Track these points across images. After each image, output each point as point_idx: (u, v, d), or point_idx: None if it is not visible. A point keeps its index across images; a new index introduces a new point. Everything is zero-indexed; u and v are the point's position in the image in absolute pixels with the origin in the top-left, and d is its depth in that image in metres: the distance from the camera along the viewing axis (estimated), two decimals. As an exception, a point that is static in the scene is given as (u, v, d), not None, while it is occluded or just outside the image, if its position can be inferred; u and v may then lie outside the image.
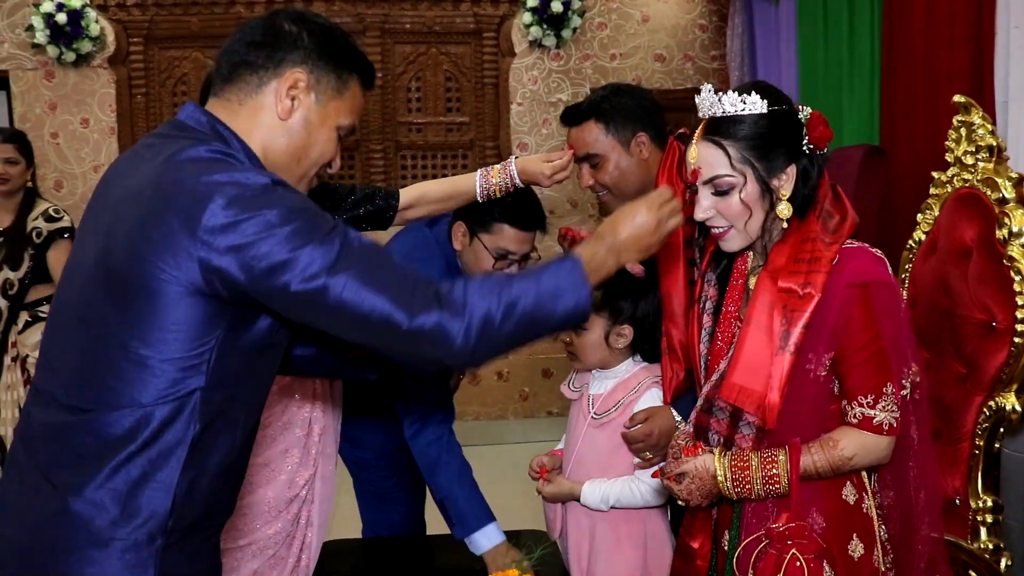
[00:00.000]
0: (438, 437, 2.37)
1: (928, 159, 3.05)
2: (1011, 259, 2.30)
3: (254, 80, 1.49)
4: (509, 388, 5.85)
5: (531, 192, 2.45)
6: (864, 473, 1.75)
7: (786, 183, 1.71)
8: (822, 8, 4.35)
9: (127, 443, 1.33)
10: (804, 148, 1.72)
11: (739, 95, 1.70)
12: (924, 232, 2.64)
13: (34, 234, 3.91)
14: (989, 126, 2.46)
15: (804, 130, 1.72)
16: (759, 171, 1.69)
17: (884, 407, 1.67)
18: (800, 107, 1.73)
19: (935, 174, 2.61)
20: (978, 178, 2.47)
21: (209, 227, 1.29)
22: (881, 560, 1.72)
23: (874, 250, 1.71)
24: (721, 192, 1.71)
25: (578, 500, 2.22)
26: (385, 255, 1.39)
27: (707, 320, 1.86)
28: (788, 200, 1.71)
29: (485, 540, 2.29)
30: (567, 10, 5.47)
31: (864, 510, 1.74)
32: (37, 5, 5.21)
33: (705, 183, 1.73)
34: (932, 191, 2.62)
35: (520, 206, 2.43)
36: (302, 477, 2.21)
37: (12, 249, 3.87)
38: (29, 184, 3.98)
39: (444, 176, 5.56)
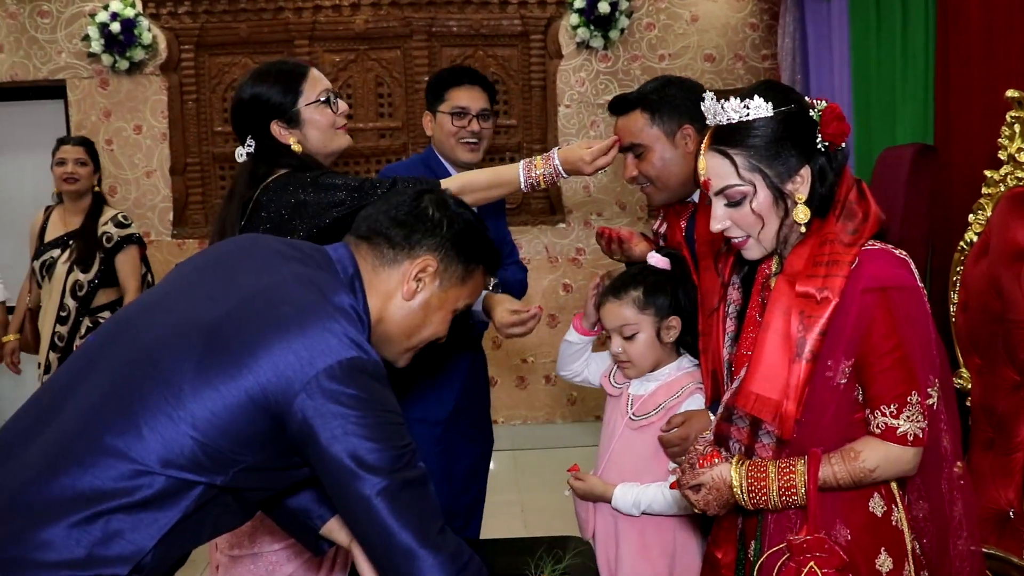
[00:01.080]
0: None
1: (982, 158, 2.95)
2: (1067, 261, 2.22)
3: (389, 254, 1.58)
4: (557, 392, 5.81)
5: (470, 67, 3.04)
6: (894, 484, 1.68)
7: (801, 186, 1.64)
8: (875, 4, 4.24)
9: (122, 496, 1.32)
10: (819, 146, 1.64)
11: (742, 100, 1.64)
12: (976, 233, 2.56)
13: (104, 238, 4.03)
14: (1044, 122, 2.38)
15: (817, 127, 1.64)
16: (770, 177, 1.63)
17: (909, 417, 1.59)
18: (814, 101, 1.67)
19: (988, 173, 2.53)
20: (1032, 176, 2.39)
21: (326, 375, 1.35)
22: (913, 575, 1.65)
23: (897, 252, 1.64)
24: (733, 203, 1.66)
25: (609, 502, 2.19)
26: (431, 491, 1.45)
27: (731, 325, 1.81)
28: (805, 202, 1.64)
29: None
30: (615, 11, 5.41)
31: (893, 523, 1.67)
32: (93, 15, 5.31)
33: (716, 194, 1.68)
34: (984, 190, 2.54)
35: (460, 70, 2.99)
36: None
37: (83, 250, 4.00)
38: (97, 189, 4.13)
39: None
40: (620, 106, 2.37)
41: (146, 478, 1.32)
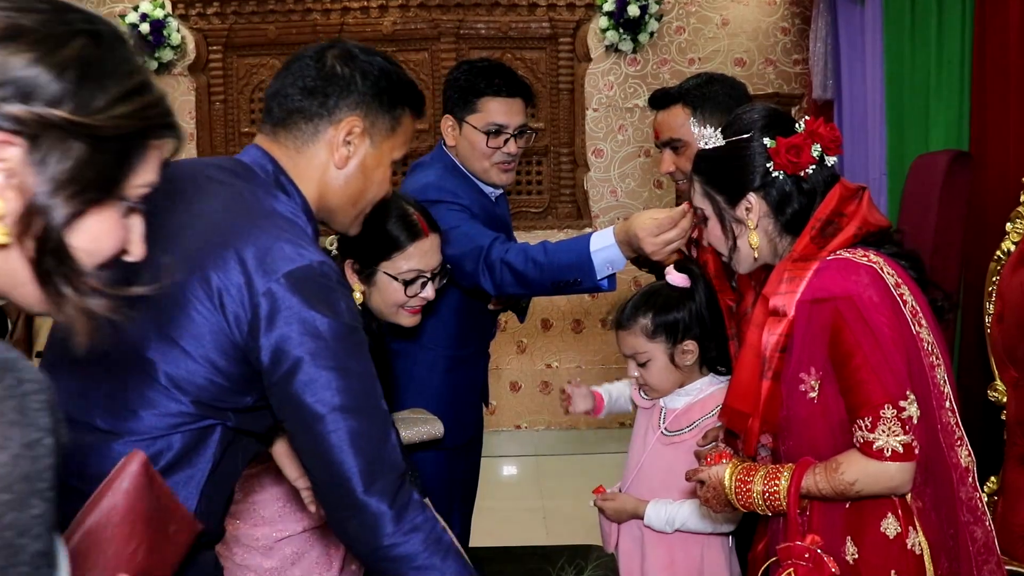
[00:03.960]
0: None
1: (1020, 165, 2.89)
2: (1108, 272, 2.16)
3: (309, 128, 1.49)
4: (581, 398, 5.76)
5: (507, 66, 2.49)
6: (915, 507, 1.63)
7: (751, 213, 1.68)
8: (910, 8, 4.17)
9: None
10: (774, 175, 1.67)
11: (699, 130, 1.76)
12: (1013, 242, 2.51)
13: None
14: (1085, 128, 2.31)
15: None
16: (719, 203, 1.71)
17: (885, 431, 1.54)
18: (799, 123, 1.67)
19: (1026, 181, 2.47)
20: (1073, 185, 2.32)
21: (266, 292, 1.30)
22: None
23: (858, 259, 1.59)
24: (704, 219, 1.77)
25: (641, 519, 2.14)
26: (385, 418, 1.38)
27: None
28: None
29: (601, 241, 2.15)
30: (644, 14, 5.37)
31: (908, 546, 1.60)
32: (123, 16, 5.34)
33: None
34: (1022, 198, 2.49)
35: (498, 74, 2.43)
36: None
37: None
38: None
39: (517, 183, 5.54)
40: (661, 100, 2.34)
41: (162, 440, 1.32)
